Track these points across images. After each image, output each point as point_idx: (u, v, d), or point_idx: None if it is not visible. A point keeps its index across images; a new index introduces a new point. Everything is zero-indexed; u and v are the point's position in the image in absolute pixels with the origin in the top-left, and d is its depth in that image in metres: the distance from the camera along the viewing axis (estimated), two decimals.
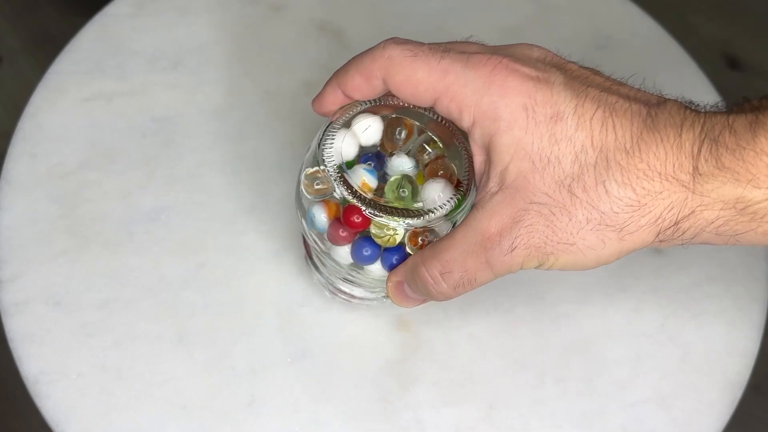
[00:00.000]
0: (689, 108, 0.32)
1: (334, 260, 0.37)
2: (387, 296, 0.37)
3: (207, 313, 0.43)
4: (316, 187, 0.34)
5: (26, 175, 0.46)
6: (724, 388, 0.43)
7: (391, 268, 0.36)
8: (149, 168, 0.47)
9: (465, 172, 0.34)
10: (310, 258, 0.41)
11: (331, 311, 0.43)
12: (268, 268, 0.44)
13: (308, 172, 0.35)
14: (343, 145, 0.35)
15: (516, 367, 0.42)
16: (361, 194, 0.33)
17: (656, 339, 0.44)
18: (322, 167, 0.34)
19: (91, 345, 0.41)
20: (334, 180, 0.33)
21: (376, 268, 0.36)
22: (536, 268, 0.33)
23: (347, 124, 0.35)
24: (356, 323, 0.43)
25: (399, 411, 0.41)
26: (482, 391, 0.42)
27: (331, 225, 0.35)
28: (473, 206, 0.33)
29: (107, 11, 0.52)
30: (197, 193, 0.46)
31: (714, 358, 0.43)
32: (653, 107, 0.31)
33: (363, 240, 0.35)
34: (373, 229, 0.34)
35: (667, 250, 0.46)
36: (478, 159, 0.33)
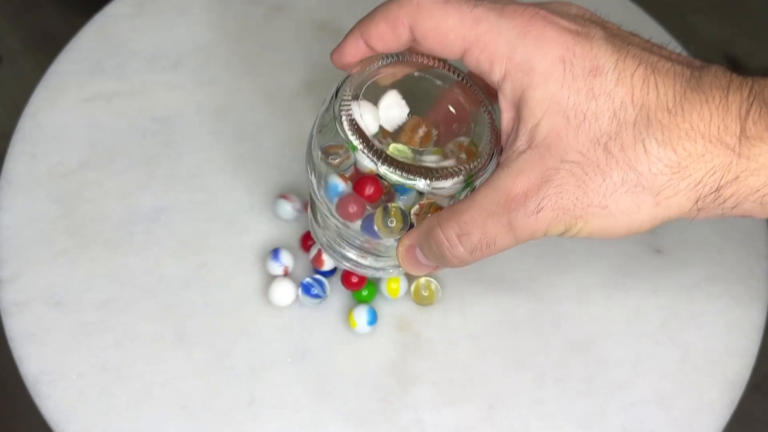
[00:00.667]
0: (734, 73, 0.30)
1: (343, 224, 0.35)
2: (397, 265, 0.35)
3: (207, 313, 0.43)
4: (331, 161, 0.32)
5: (26, 175, 0.46)
6: (724, 388, 0.43)
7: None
8: (149, 168, 0.47)
9: (488, 138, 0.33)
10: (316, 221, 0.38)
11: (331, 311, 0.43)
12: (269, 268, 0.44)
13: (324, 147, 0.32)
14: (363, 114, 0.32)
15: (516, 367, 0.42)
16: (377, 148, 0.31)
17: (656, 339, 0.44)
18: (339, 131, 0.31)
19: (91, 345, 0.42)
20: (348, 131, 0.31)
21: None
22: (561, 234, 0.31)
23: (366, 79, 0.33)
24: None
25: (399, 411, 0.41)
26: (482, 391, 0.42)
27: (340, 200, 0.33)
28: (497, 166, 0.31)
29: (107, 11, 0.52)
30: (197, 193, 0.46)
31: (714, 358, 0.43)
32: (696, 69, 0.30)
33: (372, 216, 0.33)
34: (376, 224, 0.33)
35: (668, 250, 0.46)
36: (507, 116, 0.31)
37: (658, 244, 0.46)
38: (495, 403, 0.41)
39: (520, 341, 0.43)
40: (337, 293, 0.43)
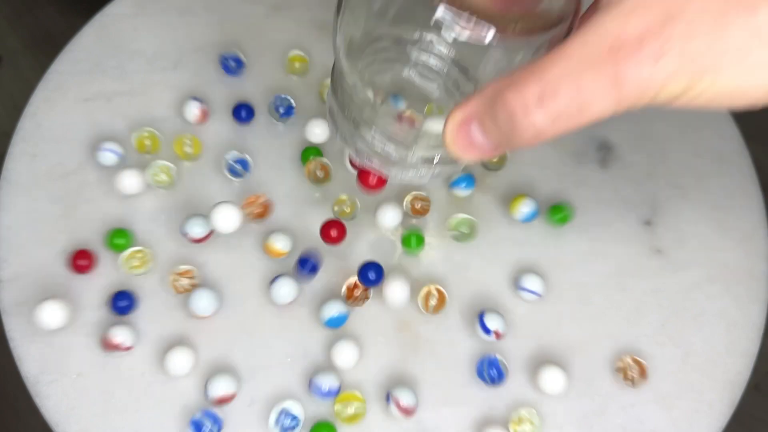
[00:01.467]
0: None
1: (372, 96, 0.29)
2: (433, 163, 0.28)
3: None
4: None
5: (26, 175, 0.46)
6: (724, 388, 0.43)
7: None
8: (149, 168, 0.47)
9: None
10: (336, 101, 0.32)
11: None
12: (269, 268, 0.44)
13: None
14: None
15: (516, 367, 0.42)
16: None
17: (656, 339, 0.44)
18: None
19: (91, 345, 0.42)
20: None
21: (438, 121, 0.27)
22: (675, 98, 0.23)
23: None
24: (356, 323, 0.43)
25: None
26: (482, 391, 0.42)
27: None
28: (596, 11, 0.24)
29: (107, 11, 0.52)
30: (197, 194, 0.46)
31: (714, 358, 0.43)
32: None
33: None
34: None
35: (668, 250, 0.46)
36: None
37: (658, 244, 0.46)
38: (495, 404, 0.41)
39: (520, 341, 0.43)
40: (335, 287, 0.43)
